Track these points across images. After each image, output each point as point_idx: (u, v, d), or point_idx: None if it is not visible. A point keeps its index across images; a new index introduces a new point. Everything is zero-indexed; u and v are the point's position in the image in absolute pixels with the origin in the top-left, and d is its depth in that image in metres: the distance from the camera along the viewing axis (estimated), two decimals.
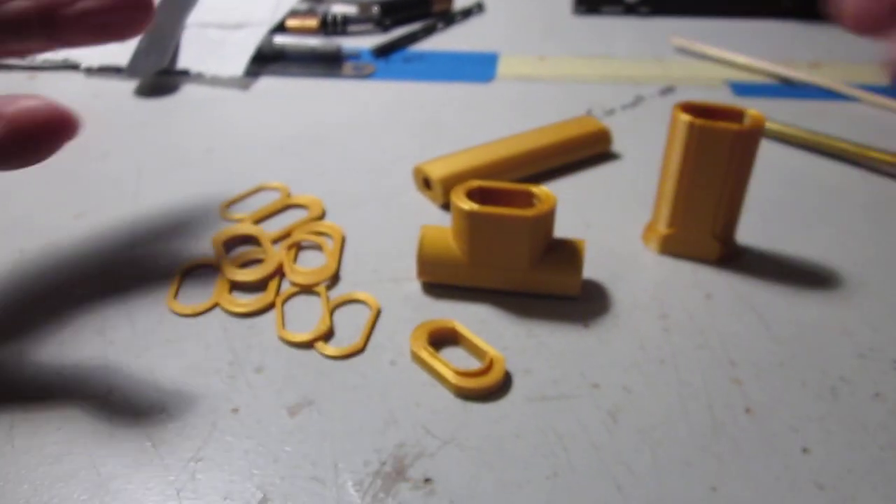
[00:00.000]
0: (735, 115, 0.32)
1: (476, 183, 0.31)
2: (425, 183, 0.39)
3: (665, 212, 0.34)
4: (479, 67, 0.59)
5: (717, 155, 0.31)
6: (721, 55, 0.60)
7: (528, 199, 0.31)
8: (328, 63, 0.59)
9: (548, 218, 0.30)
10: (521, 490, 0.24)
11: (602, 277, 0.33)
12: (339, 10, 0.67)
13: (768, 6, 0.71)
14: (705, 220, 0.33)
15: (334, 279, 0.33)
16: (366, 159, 0.44)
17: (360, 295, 0.32)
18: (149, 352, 0.29)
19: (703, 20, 0.71)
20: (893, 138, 0.46)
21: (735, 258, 0.35)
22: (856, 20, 0.27)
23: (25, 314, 0.31)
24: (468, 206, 0.30)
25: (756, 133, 0.31)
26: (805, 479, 0.24)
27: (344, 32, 0.67)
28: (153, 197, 0.40)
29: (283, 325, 0.31)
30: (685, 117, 0.31)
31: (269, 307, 0.32)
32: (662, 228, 0.34)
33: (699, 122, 0.31)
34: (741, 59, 0.58)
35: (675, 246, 0.34)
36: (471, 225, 0.30)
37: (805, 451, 0.25)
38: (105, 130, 0.48)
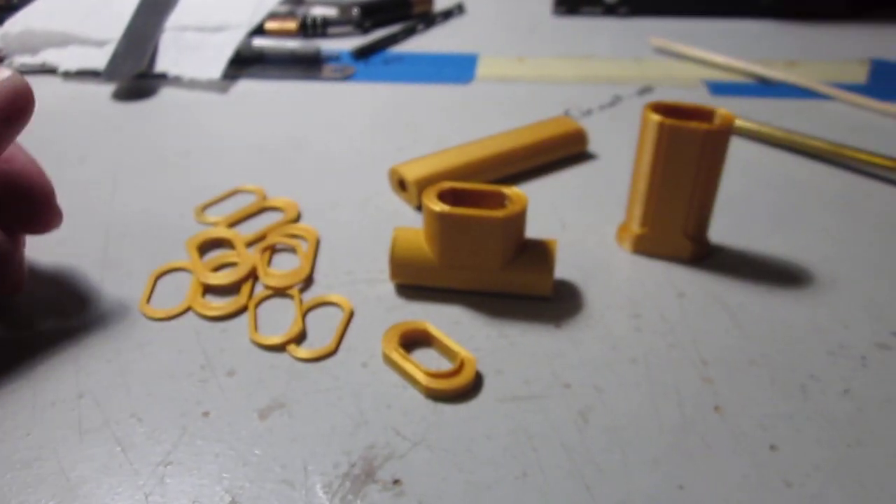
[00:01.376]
0: (705, 114, 0.32)
1: (448, 184, 0.31)
2: (400, 185, 0.39)
3: (638, 212, 0.34)
4: (459, 69, 0.59)
5: (687, 154, 0.31)
6: (699, 55, 0.60)
7: (499, 200, 0.31)
8: (307, 65, 0.59)
9: (519, 218, 0.30)
10: (491, 491, 0.24)
11: (575, 277, 0.33)
12: (318, 12, 0.67)
13: (746, 6, 0.71)
14: (677, 220, 0.33)
15: (308, 282, 0.33)
16: (343, 161, 0.44)
17: (334, 297, 0.32)
18: (120, 356, 0.29)
19: (681, 20, 0.72)
20: (868, 136, 0.46)
21: (708, 257, 0.35)
22: None
23: None
24: (439, 207, 0.30)
25: (725, 132, 0.31)
26: (773, 477, 0.24)
27: (323, 34, 0.67)
28: (129, 200, 0.40)
29: (256, 328, 0.30)
30: (655, 117, 0.31)
31: (242, 310, 0.32)
32: (635, 228, 0.35)
33: (669, 121, 0.31)
34: (718, 58, 0.58)
35: (647, 245, 0.35)
36: (442, 226, 0.30)
37: (773, 448, 0.25)
38: (82, 134, 0.48)
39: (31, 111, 0.28)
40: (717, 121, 0.32)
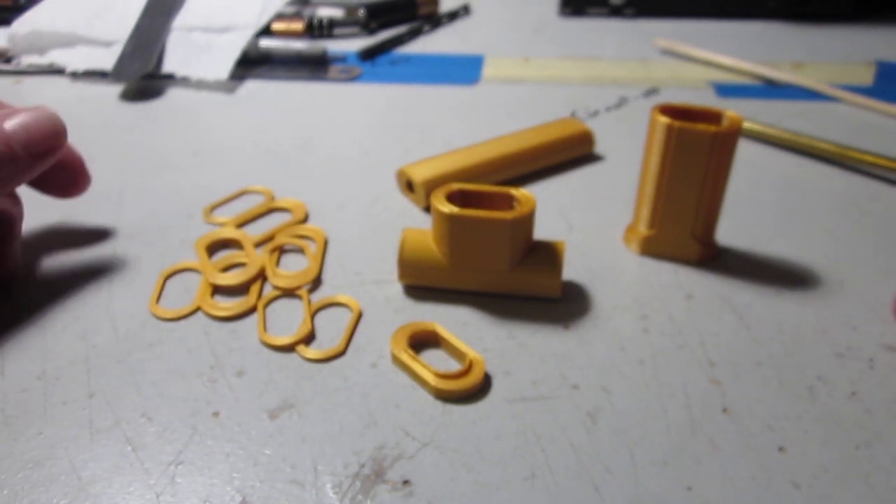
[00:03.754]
0: (713, 116, 0.32)
1: (456, 186, 0.31)
2: (408, 186, 0.39)
3: (645, 213, 0.34)
4: (465, 70, 0.60)
5: (695, 156, 0.31)
6: (705, 56, 0.60)
7: (507, 202, 0.31)
8: (314, 66, 0.60)
9: (527, 220, 0.30)
10: (500, 491, 0.24)
11: (583, 279, 0.34)
12: (325, 13, 0.67)
13: (752, 8, 0.72)
14: (685, 222, 0.33)
15: (316, 282, 0.33)
16: (350, 162, 0.44)
17: (342, 298, 0.32)
18: (130, 356, 0.29)
19: (687, 22, 0.72)
20: (874, 138, 0.46)
21: (715, 259, 0.35)
22: None
23: (7, 318, 0.31)
24: (448, 208, 0.30)
25: (734, 134, 0.31)
26: (781, 479, 0.24)
27: (330, 35, 0.67)
28: (137, 201, 0.40)
29: (265, 328, 0.31)
30: (664, 119, 0.31)
31: (251, 311, 0.32)
32: (643, 230, 0.35)
33: (677, 124, 0.31)
34: (725, 60, 0.59)
35: (655, 247, 0.35)
36: (451, 228, 0.30)
37: (781, 450, 0.25)
38: (90, 134, 0.48)
39: (62, 148, 0.31)
40: (725, 123, 0.32)
